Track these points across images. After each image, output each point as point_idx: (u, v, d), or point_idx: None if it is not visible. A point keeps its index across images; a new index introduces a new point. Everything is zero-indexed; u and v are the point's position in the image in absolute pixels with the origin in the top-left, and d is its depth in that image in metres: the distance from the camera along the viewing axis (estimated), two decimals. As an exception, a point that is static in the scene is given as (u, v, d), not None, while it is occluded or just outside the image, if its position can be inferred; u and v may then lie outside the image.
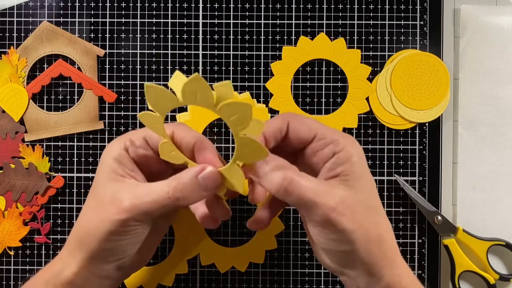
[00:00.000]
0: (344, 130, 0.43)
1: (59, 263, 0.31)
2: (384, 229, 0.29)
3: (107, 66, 0.43)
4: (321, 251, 0.31)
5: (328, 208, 0.27)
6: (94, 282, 0.31)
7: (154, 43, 0.43)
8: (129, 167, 0.31)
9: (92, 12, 0.43)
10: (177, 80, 0.27)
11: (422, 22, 0.44)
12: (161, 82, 0.43)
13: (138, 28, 0.43)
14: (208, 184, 0.29)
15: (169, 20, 0.43)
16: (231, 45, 0.43)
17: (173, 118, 0.43)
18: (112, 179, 0.30)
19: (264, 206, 0.33)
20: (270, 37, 0.43)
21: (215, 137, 0.43)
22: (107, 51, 0.43)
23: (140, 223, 0.30)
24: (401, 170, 0.43)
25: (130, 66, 0.43)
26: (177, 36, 0.43)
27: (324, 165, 0.30)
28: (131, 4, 0.43)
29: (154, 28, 0.43)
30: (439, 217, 0.42)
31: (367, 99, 0.43)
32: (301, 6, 0.43)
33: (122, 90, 0.43)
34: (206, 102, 0.26)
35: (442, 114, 0.43)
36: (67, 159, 0.43)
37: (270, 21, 0.43)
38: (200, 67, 0.43)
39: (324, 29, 0.43)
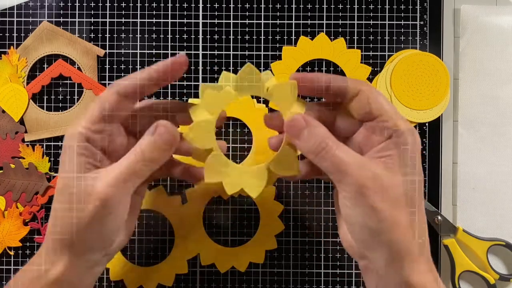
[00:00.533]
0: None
1: (43, 263, 0.30)
2: (416, 224, 0.29)
3: (107, 66, 0.43)
4: (348, 227, 0.30)
5: (360, 181, 0.27)
6: (83, 274, 0.31)
7: (154, 43, 0.43)
8: (93, 157, 0.30)
9: (92, 12, 0.43)
10: (226, 78, 0.31)
11: (422, 22, 0.44)
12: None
13: (138, 28, 0.43)
14: (165, 139, 0.30)
15: (169, 20, 0.43)
16: (231, 45, 0.43)
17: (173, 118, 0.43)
18: (79, 171, 0.29)
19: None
20: (270, 37, 0.43)
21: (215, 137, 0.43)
22: (107, 51, 0.43)
23: (118, 200, 0.29)
24: (401, 170, 0.43)
25: (130, 66, 0.43)
26: (177, 36, 0.43)
27: (376, 146, 0.30)
28: (131, 4, 0.43)
29: (154, 28, 0.43)
30: (439, 217, 0.42)
31: (367, 99, 0.43)
32: (301, 6, 0.43)
33: (122, 90, 0.43)
34: (257, 89, 0.31)
35: (442, 114, 0.43)
36: (67, 159, 0.43)
37: (270, 21, 0.43)
38: (200, 67, 0.43)
39: (324, 29, 0.43)
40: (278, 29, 0.43)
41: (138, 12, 0.43)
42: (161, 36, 0.43)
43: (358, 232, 0.29)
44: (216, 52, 0.43)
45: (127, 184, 0.29)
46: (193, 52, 0.43)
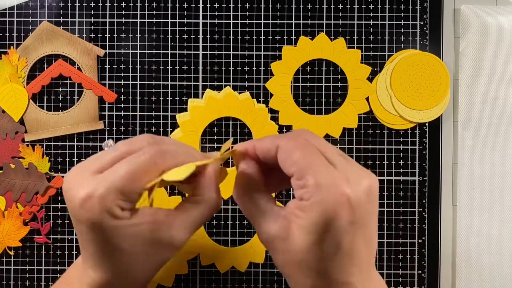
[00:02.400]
0: (344, 130, 0.43)
1: None
2: (315, 285, 0.27)
3: (107, 66, 0.43)
4: None
5: (259, 238, 0.29)
6: None
7: (154, 43, 0.43)
8: (138, 214, 0.27)
9: (92, 12, 0.43)
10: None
11: (422, 22, 0.44)
12: (161, 82, 0.43)
13: (138, 28, 0.43)
14: (217, 173, 0.31)
15: (169, 20, 0.43)
16: (231, 45, 0.43)
17: (173, 118, 0.43)
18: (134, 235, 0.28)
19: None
20: (270, 37, 0.43)
21: (215, 137, 0.43)
22: (107, 51, 0.43)
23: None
24: (401, 170, 0.43)
25: (130, 66, 0.43)
26: (177, 36, 0.43)
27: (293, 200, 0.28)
28: (131, 4, 0.43)
29: (154, 28, 0.43)
30: None
31: (367, 99, 0.43)
32: (301, 6, 0.43)
33: (122, 90, 0.43)
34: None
35: (442, 114, 0.43)
36: (67, 159, 0.43)
37: (270, 21, 0.43)
38: (200, 67, 0.43)
39: (324, 29, 0.43)
40: (278, 29, 0.43)
41: (138, 12, 0.43)
42: (161, 36, 0.43)
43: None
44: (216, 52, 0.43)
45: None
46: (193, 52, 0.43)
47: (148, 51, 0.43)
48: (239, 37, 0.43)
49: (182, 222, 0.29)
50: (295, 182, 0.26)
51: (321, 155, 0.27)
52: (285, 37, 0.43)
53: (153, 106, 0.43)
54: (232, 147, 0.31)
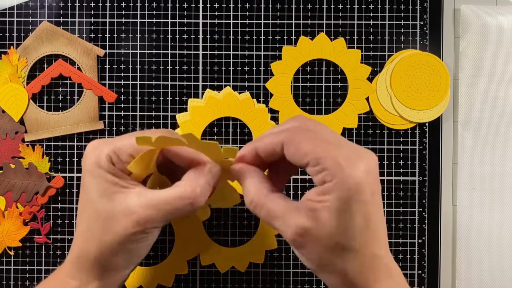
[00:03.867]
0: (344, 130, 0.43)
1: (74, 281, 0.30)
2: (349, 266, 0.28)
3: (107, 66, 0.43)
4: None
5: (287, 236, 0.28)
6: None
7: (154, 43, 0.43)
8: (125, 177, 0.30)
9: (92, 12, 0.43)
10: (191, 138, 0.29)
11: (422, 22, 0.44)
12: (161, 82, 0.43)
13: (138, 28, 0.43)
14: (216, 180, 0.30)
15: (169, 20, 0.43)
16: (231, 45, 0.43)
17: (173, 118, 0.43)
18: (114, 192, 0.29)
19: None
20: (270, 37, 0.43)
21: (215, 137, 0.43)
22: (107, 51, 0.43)
23: (156, 228, 0.30)
24: (401, 170, 0.43)
25: (130, 66, 0.43)
26: (177, 36, 0.43)
27: (313, 188, 0.28)
28: (131, 4, 0.43)
29: (154, 28, 0.43)
30: None
31: (367, 99, 0.43)
32: (301, 6, 0.43)
33: (122, 90, 0.43)
34: (214, 159, 0.31)
35: (442, 114, 0.43)
36: (67, 159, 0.43)
37: (270, 21, 0.43)
38: (200, 67, 0.43)
39: (324, 29, 0.43)
40: (278, 29, 0.43)
41: (138, 12, 0.43)
42: (161, 36, 0.43)
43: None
44: (216, 52, 0.43)
45: (165, 221, 0.29)
46: (193, 52, 0.43)
47: (148, 51, 0.43)
48: (239, 37, 0.43)
49: (143, 195, 0.29)
50: (312, 169, 0.27)
51: (324, 139, 0.28)
52: (285, 37, 0.43)
53: (153, 106, 0.43)
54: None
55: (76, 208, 0.43)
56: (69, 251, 0.31)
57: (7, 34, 0.43)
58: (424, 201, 0.43)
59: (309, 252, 0.28)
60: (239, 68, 0.43)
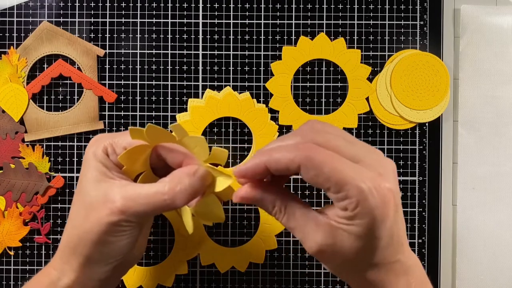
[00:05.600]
0: (344, 130, 0.43)
1: (55, 271, 0.30)
2: (370, 273, 0.28)
3: (107, 66, 0.43)
4: None
5: (307, 249, 0.28)
6: (93, 286, 0.31)
7: (154, 43, 0.43)
8: (115, 168, 0.31)
9: (92, 12, 0.43)
10: (177, 129, 0.30)
11: (422, 22, 0.44)
12: (161, 82, 0.43)
13: (138, 28, 0.43)
14: (201, 183, 0.30)
15: (169, 20, 0.43)
16: (231, 45, 0.43)
17: (173, 118, 0.43)
18: (100, 181, 0.30)
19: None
20: (270, 37, 0.43)
21: (215, 137, 0.43)
22: (107, 51, 0.43)
23: (133, 223, 0.30)
24: (401, 170, 0.43)
25: (130, 66, 0.43)
26: (177, 36, 0.43)
27: (335, 210, 0.27)
28: (131, 4, 0.43)
29: (154, 28, 0.43)
30: None
31: (367, 99, 0.43)
32: (301, 6, 0.43)
33: (122, 90, 0.43)
34: (200, 157, 0.31)
35: (442, 114, 0.43)
36: (67, 159, 0.43)
37: (270, 21, 0.43)
38: (200, 67, 0.43)
39: (324, 29, 0.43)
40: (278, 29, 0.43)
41: (138, 12, 0.43)
42: (161, 36, 0.43)
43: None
44: (216, 52, 0.43)
45: (142, 216, 0.29)
46: (193, 52, 0.43)
47: (148, 51, 0.43)
48: (239, 37, 0.43)
49: (124, 187, 0.29)
50: (333, 196, 0.26)
51: (343, 158, 0.26)
52: (285, 37, 0.43)
53: (153, 106, 0.43)
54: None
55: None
56: None
57: (7, 34, 0.43)
58: (424, 201, 0.43)
59: (329, 263, 0.28)
60: (239, 68, 0.43)
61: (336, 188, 0.25)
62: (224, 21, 0.43)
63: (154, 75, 0.43)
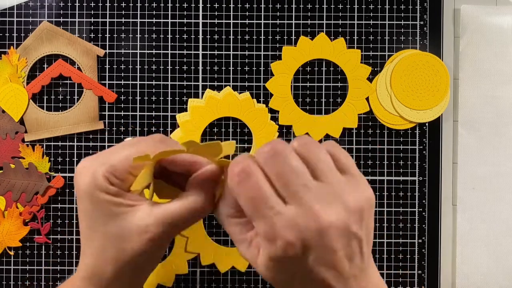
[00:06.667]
0: (344, 130, 0.43)
1: None
2: None
3: (107, 66, 0.43)
4: None
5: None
6: None
7: (154, 43, 0.43)
8: (127, 195, 0.29)
9: (92, 12, 0.43)
10: (192, 144, 0.28)
11: (422, 22, 0.44)
12: (161, 82, 0.43)
13: (138, 28, 0.43)
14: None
15: (169, 20, 0.43)
16: (231, 45, 0.43)
17: (173, 118, 0.43)
18: (119, 213, 0.28)
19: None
20: (270, 37, 0.43)
21: (215, 137, 0.43)
22: (107, 51, 0.43)
23: (167, 238, 0.30)
24: (401, 170, 0.43)
25: (130, 66, 0.43)
26: (177, 36, 0.43)
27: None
28: (131, 4, 0.43)
29: (154, 28, 0.43)
30: None
31: (367, 99, 0.43)
32: (301, 6, 0.43)
33: (122, 90, 0.43)
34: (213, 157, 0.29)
35: (442, 114, 0.43)
36: (67, 159, 0.43)
37: (270, 21, 0.43)
38: (200, 67, 0.43)
39: (324, 29, 0.43)
40: (278, 29, 0.43)
41: (138, 12, 0.43)
42: (161, 36, 0.43)
43: None
44: (216, 52, 0.43)
45: (178, 228, 0.29)
46: (193, 52, 0.43)
47: (148, 51, 0.43)
48: (239, 37, 0.43)
49: (153, 212, 0.28)
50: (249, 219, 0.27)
51: (270, 190, 0.25)
52: (285, 37, 0.43)
53: (153, 106, 0.43)
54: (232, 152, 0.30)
55: (76, 208, 0.43)
56: (78, 268, 0.30)
57: (7, 34, 0.43)
58: (424, 201, 0.43)
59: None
60: (239, 68, 0.43)
61: (249, 218, 0.26)
62: (224, 21, 0.43)
63: (154, 75, 0.43)
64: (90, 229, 0.29)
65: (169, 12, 0.43)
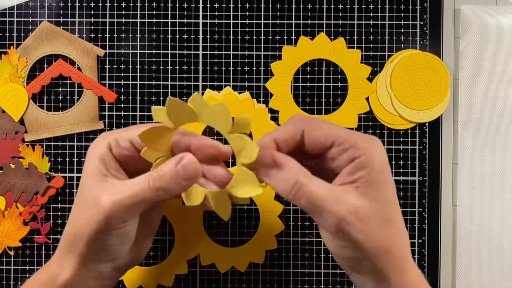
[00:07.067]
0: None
1: (54, 267, 0.31)
2: (395, 242, 0.28)
3: (107, 66, 0.43)
4: (333, 255, 0.31)
5: (338, 217, 0.27)
6: (91, 284, 0.31)
7: (154, 43, 0.43)
8: (112, 167, 0.30)
9: (92, 12, 0.43)
10: (197, 100, 0.29)
11: (422, 22, 0.44)
12: (161, 82, 0.43)
13: (138, 28, 0.43)
14: (188, 173, 0.29)
15: (169, 20, 0.43)
16: (231, 45, 0.43)
17: (173, 118, 0.43)
18: (96, 179, 0.30)
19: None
20: (270, 37, 0.43)
21: (215, 137, 0.43)
22: (107, 51, 0.43)
23: (123, 220, 0.29)
24: (401, 170, 0.43)
25: (130, 66, 0.43)
26: (177, 36, 0.43)
27: (343, 170, 0.28)
28: (131, 4, 0.43)
29: (154, 28, 0.43)
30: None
31: (367, 99, 0.43)
32: (301, 6, 0.43)
33: (122, 90, 0.43)
34: (223, 129, 0.29)
35: (442, 114, 0.43)
36: (67, 159, 0.43)
37: (270, 21, 0.43)
38: (200, 67, 0.43)
39: (324, 29, 0.43)
40: (278, 29, 0.43)
41: (138, 12, 0.43)
42: (161, 36, 0.43)
43: (342, 260, 0.29)
44: (216, 52, 0.43)
45: (133, 207, 0.29)
46: (193, 52, 0.43)
47: (148, 51, 0.43)
48: (239, 37, 0.43)
49: (114, 190, 0.29)
50: (337, 150, 0.28)
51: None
52: (285, 37, 0.43)
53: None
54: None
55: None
56: None
57: (7, 34, 0.43)
58: (424, 201, 0.43)
59: (359, 233, 0.27)
60: (239, 68, 0.43)
61: (340, 140, 0.28)
62: (224, 21, 0.43)
63: (154, 75, 0.43)
64: (77, 191, 0.31)
65: (169, 12, 0.43)
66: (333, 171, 0.30)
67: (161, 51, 0.43)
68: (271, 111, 0.43)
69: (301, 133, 0.29)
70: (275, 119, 0.43)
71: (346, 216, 0.26)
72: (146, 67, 0.43)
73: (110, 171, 0.30)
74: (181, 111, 0.29)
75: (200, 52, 0.43)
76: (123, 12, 0.43)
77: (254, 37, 0.43)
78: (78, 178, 0.43)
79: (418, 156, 0.43)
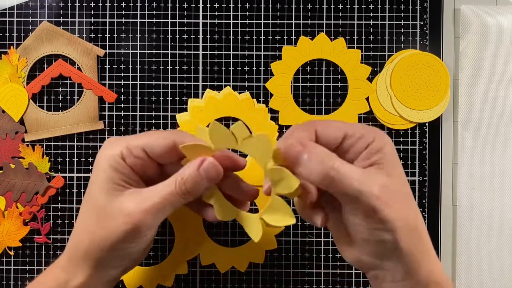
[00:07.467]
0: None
1: (62, 273, 0.31)
2: (419, 218, 0.30)
3: (107, 66, 0.43)
4: (359, 244, 0.30)
5: (372, 196, 0.27)
6: (102, 287, 0.31)
7: (154, 43, 0.43)
8: (129, 176, 0.30)
9: (92, 12, 0.43)
10: (239, 128, 0.30)
11: (422, 22, 0.44)
12: (161, 82, 0.43)
13: (138, 28, 0.43)
14: (210, 174, 0.30)
15: (169, 20, 0.43)
16: (231, 45, 0.43)
17: (173, 118, 0.43)
18: (111, 189, 0.30)
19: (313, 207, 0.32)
20: (270, 37, 0.43)
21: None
22: (107, 51, 0.43)
23: (151, 226, 0.30)
24: (401, 170, 0.43)
25: (130, 66, 0.43)
26: (177, 36, 0.43)
27: (358, 157, 0.29)
28: (131, 4, 0.43)
29: (154, 28, 0.43)
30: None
31: (367, 99, 0.43)
32: (301, 6, 0.43)
33: (122, 90, 0.43)
34: (262, 159, 0.30)
35: (442, 114, 0.43)
36: (67, 159, 0.43)
37: (270, 21, 0.43)
38: (200, 67, 0.43)
39: (324, 29, 0.43)
40: (278, 29, 0.43)
41: (138, 12, 0.43)
42: (161, 36, 0.43)
43: (372, 246, 0.29)
44: (216, 52, 0.43)
45: (161, 213, 0.30)
46: (193, 52, 0.43)
47: (148, 51, 0.43)
48: (239, 37, 0.43)
49: (139, 199, 0.29)
50: (350, 141, 0.30)
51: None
52: (285, 37, 0.43)
53: (153, 106, 0.43)
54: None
55: (76, 208, 0.43)
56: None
57: (7, 34, 0.43)
58: (424, 201, 0.43)
59: (392, 210, 0.27)
60: (239, 68, 0.43)
61: (368, 136, 0.29)
62: (224, 21, 0.43)
63: (154, 75, 0.43)
64: (86, 198, 0.31)
65: (169, 12, 0.43)
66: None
67: (161, 51, 0.43)
68: (271, 111, 0.43)
69: (315, 134, 0.30)
70: (275, 119, 0.43)
71: (379, 194, 0.27)
72: (146, 67, 0.43)
73: (127, 180, 0.30)
74: (223, 135, 0.30)
75: (200, 52, 0.43)
76: (123, 12, 0.43)
77: (254, 37, 0.43)
78: (78, 178, 0.43)
79: (418, 156, 0.43)
